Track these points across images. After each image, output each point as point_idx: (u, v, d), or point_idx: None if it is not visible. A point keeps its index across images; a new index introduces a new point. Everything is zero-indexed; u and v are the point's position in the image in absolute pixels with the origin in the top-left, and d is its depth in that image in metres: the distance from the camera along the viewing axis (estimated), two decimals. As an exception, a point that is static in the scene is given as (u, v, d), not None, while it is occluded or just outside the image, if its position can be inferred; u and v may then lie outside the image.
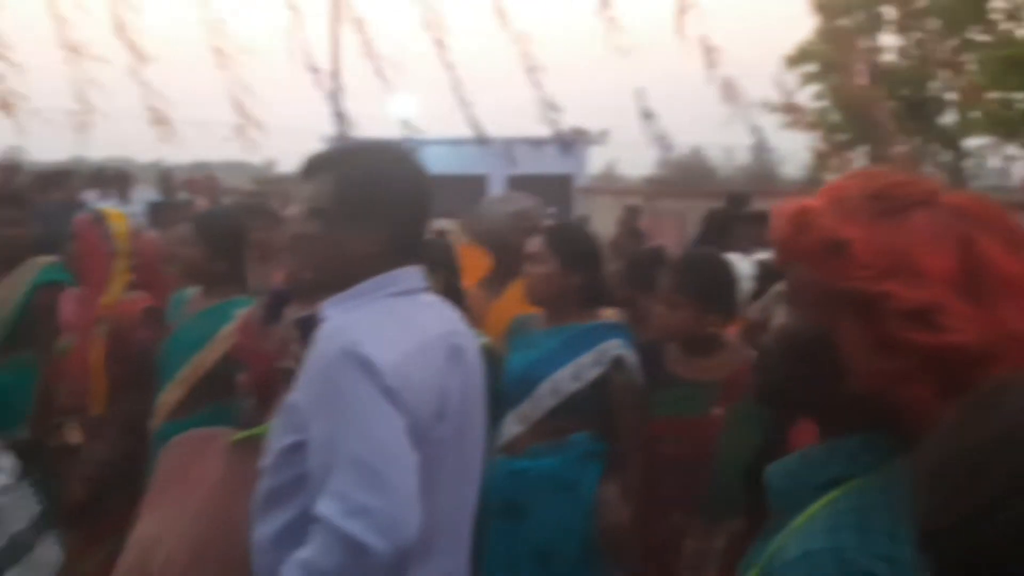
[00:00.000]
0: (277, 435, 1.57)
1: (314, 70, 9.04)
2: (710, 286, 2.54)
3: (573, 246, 2.63)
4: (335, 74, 10.08)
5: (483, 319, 2.93)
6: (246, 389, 2.93)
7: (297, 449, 1.51)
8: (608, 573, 2.52)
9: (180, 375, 3.01)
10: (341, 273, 1.61)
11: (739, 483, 1.99)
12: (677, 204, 16.09)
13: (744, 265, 2.59)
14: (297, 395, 1.55)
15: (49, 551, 2.51)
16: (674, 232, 11.28)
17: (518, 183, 14.42)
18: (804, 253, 0.95)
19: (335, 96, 9.53)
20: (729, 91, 6.99)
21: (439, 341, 1.59)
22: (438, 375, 1.55)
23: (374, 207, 1.59)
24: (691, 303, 2.51)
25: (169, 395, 3.00)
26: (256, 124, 8.89)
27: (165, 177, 8.97)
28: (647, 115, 9.31)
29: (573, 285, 2.61)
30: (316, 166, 1.66)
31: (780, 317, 1.00)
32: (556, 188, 11.72)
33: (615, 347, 2.55)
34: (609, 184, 21.64)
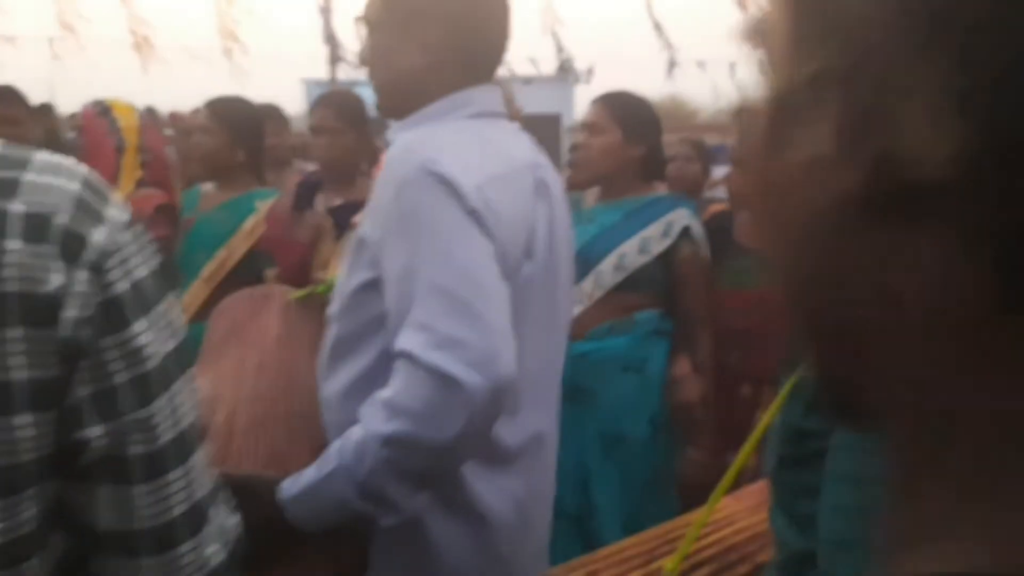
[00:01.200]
0: (345, 276, 1.35)
1: None
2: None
3: (636, 114, 2.44)
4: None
5: None
6: (278, 282, 2.75)
7: (370, 288, 1.30)
8: (679, 451, 2.39)
9: (204, 272, 2.81)
10: (399, 91, 1.39)
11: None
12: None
13: None
14: (365, 228, 1.32)
15: None
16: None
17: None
18: None
19: (327, 13, 8.82)
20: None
21: (527, 171, 1.38)
22: (526, 207, 1.34)
23: (428, 11, 1.36)
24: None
25: (194, 294, 2.81)
26: (244, 48, 8.44)
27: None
28: (657, 26, 8.96)
29: (635, 157, 2.43)
30: None
31: None
32: (544, 129, 11.41)
33: (683, 218, 2.39)
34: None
